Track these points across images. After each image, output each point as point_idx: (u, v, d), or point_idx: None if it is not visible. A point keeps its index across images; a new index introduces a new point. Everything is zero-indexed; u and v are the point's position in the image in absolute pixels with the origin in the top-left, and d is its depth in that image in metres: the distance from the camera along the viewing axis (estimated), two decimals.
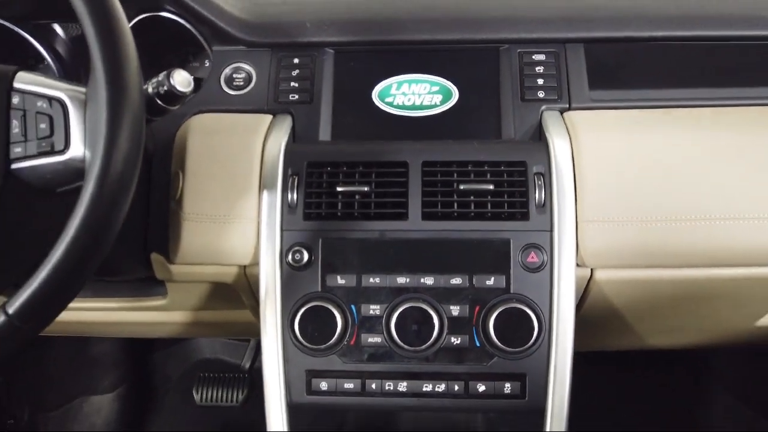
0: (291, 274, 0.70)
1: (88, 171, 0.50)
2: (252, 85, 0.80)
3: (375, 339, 0.68)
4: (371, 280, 0.69)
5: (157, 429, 1.47)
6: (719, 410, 1.33)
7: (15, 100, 0.53)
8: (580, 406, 0.72)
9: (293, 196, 0.71)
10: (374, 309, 0.68)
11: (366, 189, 0.70)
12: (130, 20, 0.81)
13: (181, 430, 1.44)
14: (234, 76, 0.81)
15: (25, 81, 0.54)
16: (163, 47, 0.89)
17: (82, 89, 0.53)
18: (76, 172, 0.52)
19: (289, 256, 0.69)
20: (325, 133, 0.78)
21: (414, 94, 0.79)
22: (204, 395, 1.36)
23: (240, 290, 0.80)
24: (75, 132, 0.52)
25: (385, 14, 0.82)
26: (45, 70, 0.91)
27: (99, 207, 0.49)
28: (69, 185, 0.55)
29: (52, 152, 0.52)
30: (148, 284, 0.85)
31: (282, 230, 0.70)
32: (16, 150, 0.52)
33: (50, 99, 0.52)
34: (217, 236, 0.73)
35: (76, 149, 0.52)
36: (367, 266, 0.69)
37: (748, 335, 0.90)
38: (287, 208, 0.71)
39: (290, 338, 0.69)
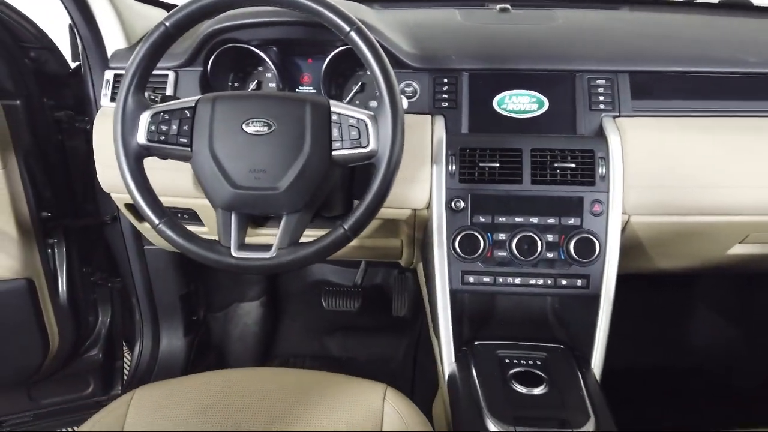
0: (451, 214, 1.17)
1: (381, 156, 0.96)
2: (417, 95, 1.24)
3: (502, 253, 1.15)
4: (500, 218, 1.15)
5: (289, 327, 1.98)
6: (699, 319, 1.84)
7: (333, 117, 0.99)
8: None
9: (452, 167, 1.17)
10: (501, 236, 1.15)
11: (497, 165, 1.16)
12: (336, 48, 1.26)
13: (309, 328, 1.95)
14: (405, 89, 1.25)
15: (336, 107, 1.00)
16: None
17: (371, 112, 0.99)
18: (366, 157, 0.99)
19: (452, 204, 1.16)
20: (465, 127, 1.23)
21: (519, 102, 1.23)
22: (329, 302, 1.82)
23: (406, 224, 1.28)
24: (371, 135, 0.98)
25: (502, 51, 1.25)
26: (264, 72, 1.36)
27: (388, 174, 0.96)
28: (357, 163, 1.02)
29: (359, 147, 0.98)
30: (336, 219, 1.32)
31: (446, 188, 1.17)
32: (336, 145, 0.98)
33: (357, 119, 0.98)
34: (402, 190, 1.19)
35: (372, 145, 0.97)
36: (497, 210, 1.15)
37: (720, 261, 1.38)
38: (449, 174, 1.17)
39: (452, 251, 1.16)
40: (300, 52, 1.34)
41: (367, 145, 0.96)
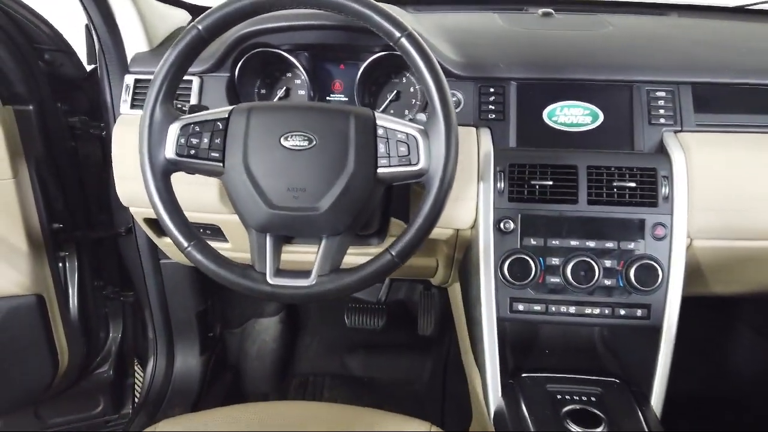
0: (499, 236, 1.08)
1: (432, 175, 0.87)
2: (461, 106, 1.16)
3: (555, 279, 1.07)
4: (553, 242, 1.07)
5: (309, 345, 1.90)
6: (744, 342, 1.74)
7: (380, 131, 0.90)
8: None
9: (501, 185, 1.08)
10: (554, 260, 1.07)
11: (550, 183, 1.07)
12: (373, 54, 1.18)
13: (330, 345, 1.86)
14: None
15: (382, 120, 0.91)
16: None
17: (421, 126, 0.90)
18: (415, 175, 0.90)
19: (501, 225, 1.07)
20: (512, 140, 1.14)
21: (572, 115, 1.14)
22: (353, 320, 1.74)
23: (446, 244, 1.19)
24: (422, 152, 0.89)
25: (553, 59, 1.17)
26: (293, 78, 1.27)
27: (440, 195, 0.87)
28: (404, 182, 0.93)
29: (408, 164, 0.89)
30: (370, 237, 1.24)
31: (494, 207, 1.08)
32: (382, 162, 0.90)
33: (406, 134, 0.89)
34: (446, 208, 1.10)
35: (422, 163, 0.88)
36: (550, 233, 1.07)
37: None
38: (497, 193, 1.08)
39: (500, 276, 1.07)
40: (332, 57, 1.25)
41: (417, 163, 0.88)
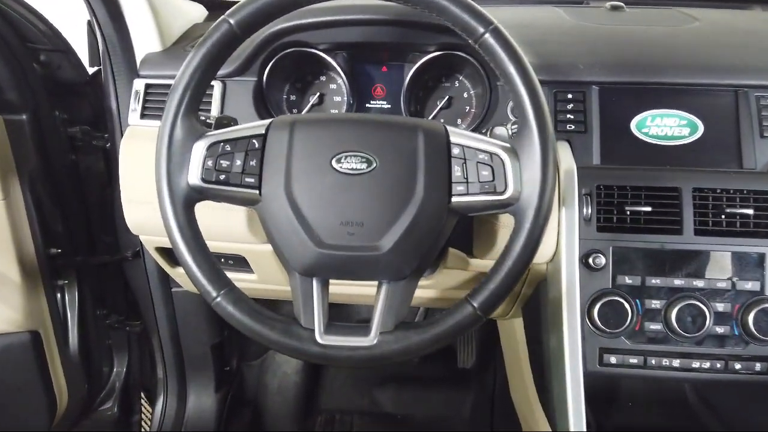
0: (587, 273, 0.89)
1: (525, 205, 0.70)
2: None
3: (655, 326, 0.88)
4: (652, 280, 0.88)
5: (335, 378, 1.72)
6: None
7: (455, 150, 0.72)
8: None
9: (587, 211, 0.90)
10: (655, 303, 0.88)
11: (648, 209, 0.89)
12: (427, 54, 1.00)
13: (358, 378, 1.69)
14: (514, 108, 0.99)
15: (457, 135, 0.73)
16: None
17: (507, 144, 0.72)
18: (501, 205, 0.72)
19: (589, 260, 0.89)
20: (596, 156, 0.96)
21: (665, 126, 0.96)
22: None
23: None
24: (510, 176, 0.71)
25: (643, 60, 0.99)
26: (328, 82, 1.09)
27: (535, 230, 0.69)
28: (487, 213, 0.75)
29: (493, 192, 0.71)
30: None
31: (580, 238, 0.90)
32: (458, 189, 0.72)
33: (489, 153, 0.71)
34: None
35: (511, 189, 0.70)
36: (649, 270, 0.88)
37: None
38: (583, 220, 0.90)
39: (587, 322, 0.89)
40: (373, 58, 1.08)
41: (505, 191, 0.70)
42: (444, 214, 0.72)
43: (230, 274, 1.03)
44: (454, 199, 0.71)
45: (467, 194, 0.71)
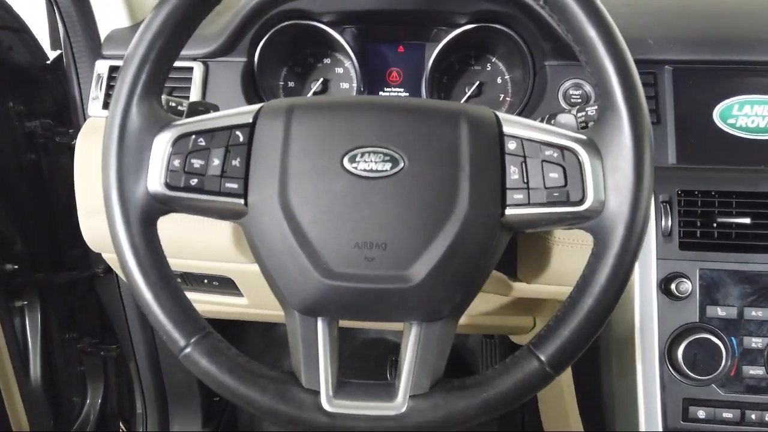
0: (667, 302, 0.70)
1: (612, 220, 0.50)
2: (590, 102, 0.79)
3: (757, 371, 0.69)
4: (753, 313, 0.69)
5: None
6: None
7: (510, 145, 0.53)
8: None
9: (666, 223, 0.70)
10: (756, 342, 0.69)
11: (746, 221, 0.70)
12: (455, 28, 0.82)
13: None
14: (571, 92, 0.80)
15: (513, 125, 0.53)
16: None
17: (584, 136, 0.53)
18: (576, 218, 0.52)
19: (670, 286, 0.69)
20: (672, 155, 0.77)
21: (757, 115, 0.78)
22: (393, 375, 1.40)
23: (560, 304, 0.81)
24: (589, 179, 0.51)
25: (732, 33, 0.80)
26: (333, 65, 0.91)
27: (626, 254, 0.50)
28: (552, 228, 0.56)
29: (564, 202, 0.51)
30: None
31: (657, 258, 0.71)
32: (515, 197, 0.52)
33: (559, 147, 0.52)
34: (574, 257, 0.73)
35: (591, 198, 0.51)
36: (749, 299, 0.70)
37: None
38: (661, 235, 0.71)
39: (667, 366, 0.70)
40: (388, 35, 0.91)
41: (582, 200, 0.50)
42: (495, 232, 0.52)
43: (215, 298, 0.84)
44: (509, 211, 0.52)
45: (528, 204, 0.52)
